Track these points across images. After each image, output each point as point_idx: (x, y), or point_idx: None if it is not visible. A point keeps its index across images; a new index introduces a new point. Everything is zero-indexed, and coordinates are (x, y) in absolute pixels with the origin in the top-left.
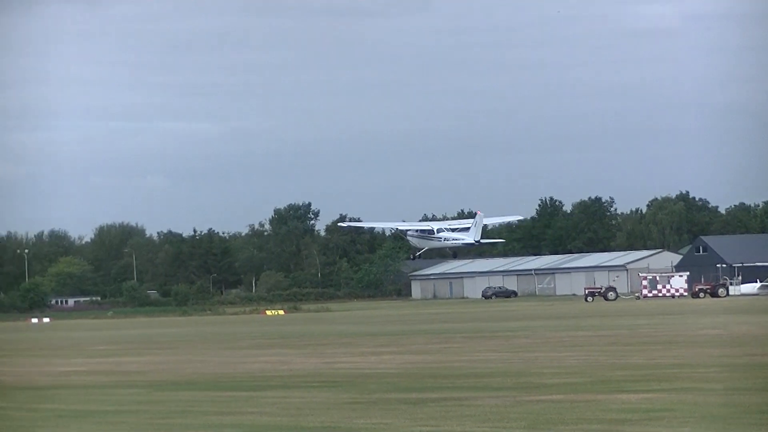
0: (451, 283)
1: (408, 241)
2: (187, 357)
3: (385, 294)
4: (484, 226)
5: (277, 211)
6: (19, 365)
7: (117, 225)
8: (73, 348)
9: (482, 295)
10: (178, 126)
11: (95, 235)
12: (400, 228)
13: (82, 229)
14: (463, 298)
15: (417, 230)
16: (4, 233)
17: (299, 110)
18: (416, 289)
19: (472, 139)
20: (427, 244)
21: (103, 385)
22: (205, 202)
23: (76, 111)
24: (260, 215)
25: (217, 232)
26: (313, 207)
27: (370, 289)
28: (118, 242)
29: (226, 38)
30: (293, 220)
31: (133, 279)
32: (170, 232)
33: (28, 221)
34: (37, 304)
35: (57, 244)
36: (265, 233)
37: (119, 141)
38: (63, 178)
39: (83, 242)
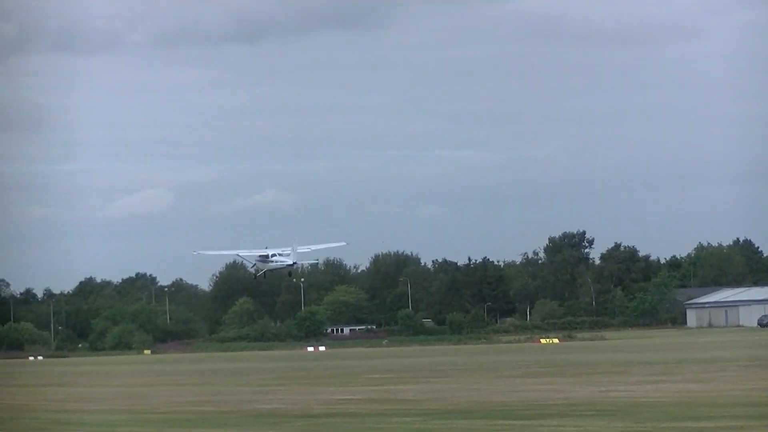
0: (726, 312)
1: (253, 265)
2: (461, 385)
3: (660, 322)
4: (307, 251)
5: (551, 239)
6: (296, 393)
7: (392, 254)
8: (349, 376)
9: (758, 324)
10: (457, 154)
11: (371, 263)
12: (240, 254)
13: (357, 258)
14: (738, 326)
15: (258, 256)
16: None
17: (577, 137)
18: (691, 317)
19: (749, 165)
20: (265, 267)
21: (378, 413)
22: (480, 230)
23: (353, 140)
24: (534, 243)
25: (492, 261)
26: (587, 235)
27: (645, 317)
28: (393, 271)
29: (502, 66)
30: (568, 248)
31: (408, 308)
32: (445, 260)
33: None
34: (313, 333)
35: (332, 273)
36: (540, 261)
37: (398, 169)
38: (339, 207)
39: (359, 271)
